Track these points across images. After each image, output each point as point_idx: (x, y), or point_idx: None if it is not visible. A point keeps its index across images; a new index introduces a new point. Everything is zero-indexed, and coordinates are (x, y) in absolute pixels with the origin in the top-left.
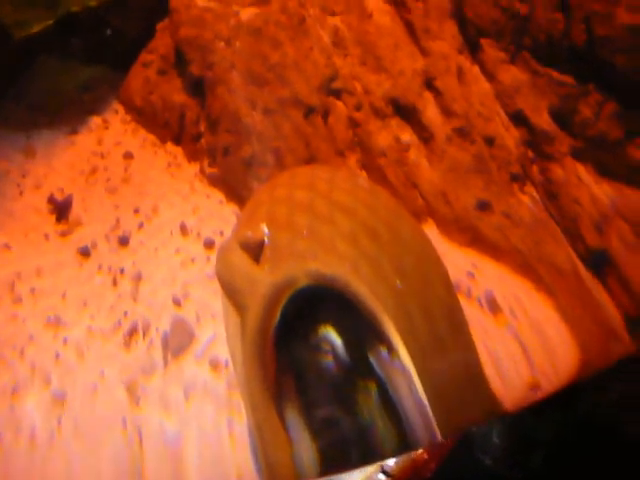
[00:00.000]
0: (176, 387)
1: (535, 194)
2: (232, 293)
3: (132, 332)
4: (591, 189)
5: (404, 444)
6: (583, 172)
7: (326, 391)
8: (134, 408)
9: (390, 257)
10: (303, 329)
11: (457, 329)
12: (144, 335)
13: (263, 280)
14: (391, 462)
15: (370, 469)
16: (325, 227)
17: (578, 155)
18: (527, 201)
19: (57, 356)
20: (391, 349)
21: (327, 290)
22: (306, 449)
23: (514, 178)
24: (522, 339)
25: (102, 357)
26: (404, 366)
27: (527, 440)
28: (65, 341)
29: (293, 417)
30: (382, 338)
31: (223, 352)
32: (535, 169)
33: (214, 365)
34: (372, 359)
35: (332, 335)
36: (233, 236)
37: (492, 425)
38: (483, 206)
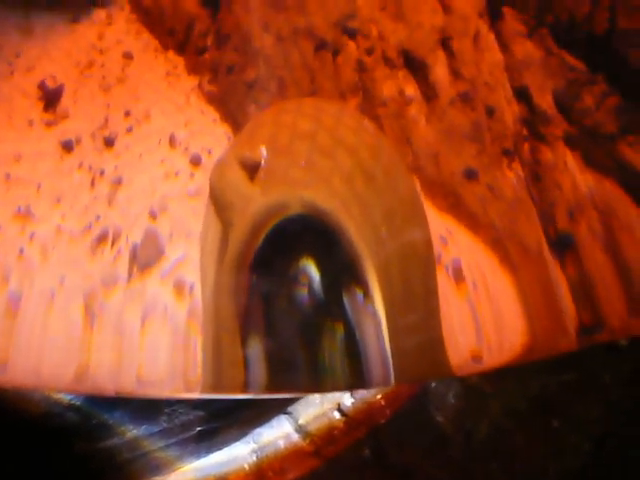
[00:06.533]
0: (135, 307)
1: (521, 172)
2: (221, 207)
3: (101, 238)
4: (574, 177)
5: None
6: (571, 159)
7: (293, 323)
8: (87, 329)
9: (381, 205)
10: (284, 257)
11: (429, 293)
12: (113, 243)
13: (255, 200)
14: (348, 402)
15: (327, 406)
16: (324, 161)
17: (570, 141)
18: (512, 177)
19: (21, 252)
20: (367, 294)
21: (316, 222)
22: (260, 379)
23: (505, 153)
24: (477, 310)
25: (66, 261)
26: (376, 312)
27: (479, 409)
28: (32, 237)
29: (255, 343)
30: (361, 281)
31: (190, 275)
32: (526, 147)
33: (178, 287)
34: (346, 300)
35: (312, 269)
36: (231, 152)
37: (451, 386)
38: (470, 174)
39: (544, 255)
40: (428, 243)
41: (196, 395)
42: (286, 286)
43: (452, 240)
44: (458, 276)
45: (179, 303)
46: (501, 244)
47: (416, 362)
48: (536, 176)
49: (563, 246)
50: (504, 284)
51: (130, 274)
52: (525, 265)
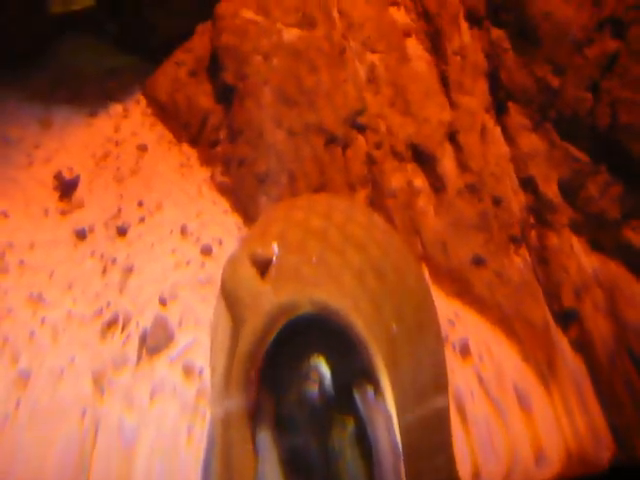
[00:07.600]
0: (144, 386)
1: (528, 257)
2: (233, 304)
3: (111, 323)
4: (580, 260)
5: None
6: (576, 243)
7: (303, 418)
8: (97, 400)
9: (391, 301)
10: (295, 354)
11: (439, 389)
12: (123, 328)
13: (267, 298)
14: None
15: None
16: (335, 258)
17: (575, 227)
18: (519, 262)
19: (32, 334)
20: (378, 391)
21: (326, 321)
22: (270, 472)
23: (512, 240)
24: (483, 376)
25: (76, 343)
26: (387, 410)
27: None
28: (43, 321)
29: (264, 437)
30: (372, 378)
31: (199, 360)
32: (533, 234)
33: (187, 371)
34: (357, 396)
35: (323, 366)
36: (243, 248)
37: None
38: (478, 262)
39: (549, 327)
40: (439, 335)
41: None
42: (297, 383)
43: (459, 322)
44: (465, 352)
45: (188, 384)
46: (508, 322)
47: (427, 465)
48: (543, 260)
49: (568, 319)
50: (509, 353)
51: (139, 357)
52: (530, 337)
